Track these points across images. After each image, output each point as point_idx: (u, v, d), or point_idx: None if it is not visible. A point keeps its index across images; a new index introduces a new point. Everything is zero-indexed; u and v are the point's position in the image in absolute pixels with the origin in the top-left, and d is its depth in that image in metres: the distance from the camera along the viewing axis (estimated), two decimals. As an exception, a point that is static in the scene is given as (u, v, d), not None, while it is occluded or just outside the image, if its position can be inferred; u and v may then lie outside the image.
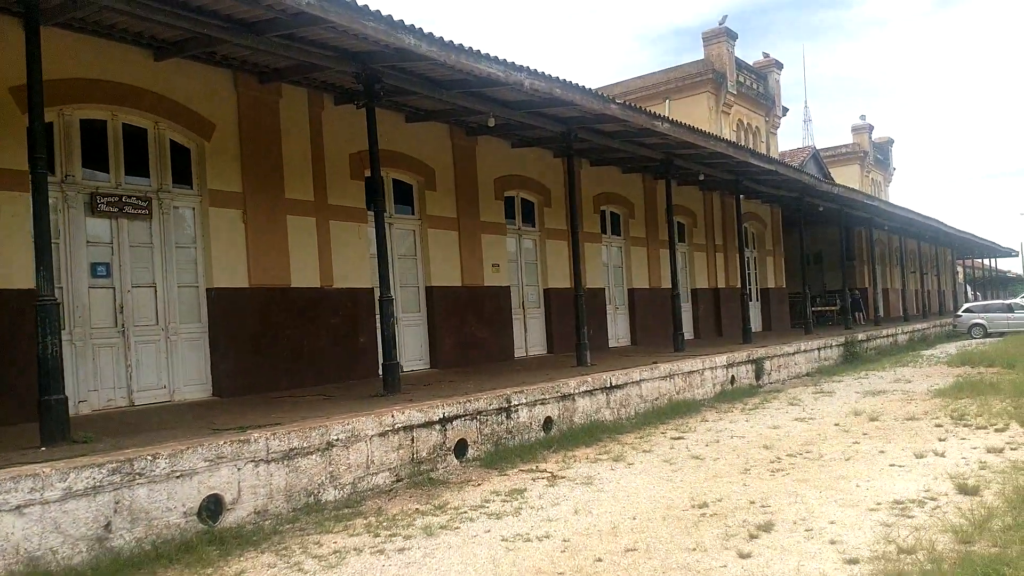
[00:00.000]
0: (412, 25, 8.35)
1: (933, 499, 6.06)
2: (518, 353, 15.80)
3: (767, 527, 5.51)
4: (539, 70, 10.29)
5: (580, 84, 11.23)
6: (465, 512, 6.34)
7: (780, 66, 28.04)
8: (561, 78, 10.76)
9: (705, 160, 17.00)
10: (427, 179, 13.69)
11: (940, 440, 8.44)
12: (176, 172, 10.21)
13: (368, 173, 11.09)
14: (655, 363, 13.12)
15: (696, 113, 23.93)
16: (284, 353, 11.03)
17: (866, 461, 7.62)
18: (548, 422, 9.92)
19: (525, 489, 7.06)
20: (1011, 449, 7.67)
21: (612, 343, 18.84)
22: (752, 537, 5.31)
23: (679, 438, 9.66)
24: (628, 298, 19.80)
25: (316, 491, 6.83)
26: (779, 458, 8.03)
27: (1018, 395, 11.42)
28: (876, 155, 42.54)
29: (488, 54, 9.49)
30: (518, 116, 12.16)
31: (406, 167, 13.36)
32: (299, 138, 11.51)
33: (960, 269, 73.09)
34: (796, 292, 35.86)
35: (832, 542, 5.13)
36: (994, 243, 49.80)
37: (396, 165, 13.07)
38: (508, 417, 9.26)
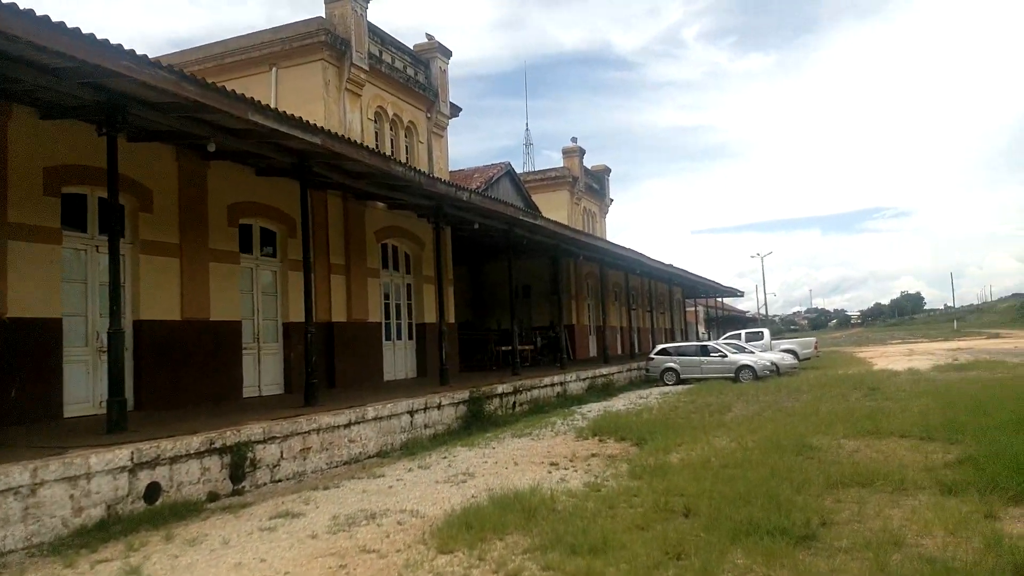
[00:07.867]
0: None
1: None
2: None
3: None
4: None
5: None
6: None
7: (448, 53, 22.43)
8: None
9: (232, 127, 10.62)
10: None
11: None
12: None
13: None
14: None
15: (309, 86, 17.72)
16: None
17: None
18: None
19: None
20: None
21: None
22: None
23: None
24: (134, 335, 12.85)
25: None
26: None
27: (544, 547, 5.92)
28: (589, 182, 38.61)
29: None
30: None
31: None
32: None
33: (702, 309, 74.90)
34: (494, 328, 31.27)
35: None
36: (716, 282, 49.27)
37: None
38: None
